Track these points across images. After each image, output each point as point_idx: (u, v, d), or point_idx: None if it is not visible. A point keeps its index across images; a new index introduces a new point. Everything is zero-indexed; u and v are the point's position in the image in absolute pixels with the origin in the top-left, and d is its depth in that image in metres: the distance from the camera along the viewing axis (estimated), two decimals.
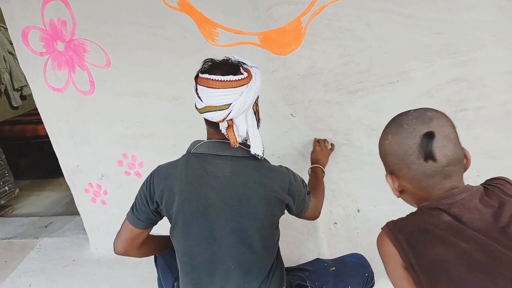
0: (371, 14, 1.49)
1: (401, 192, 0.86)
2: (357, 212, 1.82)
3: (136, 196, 1.14)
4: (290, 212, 1.17)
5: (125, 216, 1.16)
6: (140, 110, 1.89)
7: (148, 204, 1.10)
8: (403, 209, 1.79)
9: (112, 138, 2.00)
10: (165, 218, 1.14)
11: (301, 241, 1.78)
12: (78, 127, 2.01)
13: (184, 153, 1.12)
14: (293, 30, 1.59)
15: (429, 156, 0.74)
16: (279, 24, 1.59)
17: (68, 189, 2.23)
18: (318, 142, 1.71)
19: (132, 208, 1.15)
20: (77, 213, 2.31)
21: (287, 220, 1.29)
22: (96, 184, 2.14)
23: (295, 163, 1.82)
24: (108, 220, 2.17)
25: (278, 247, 1.19)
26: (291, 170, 1.15)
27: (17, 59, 2.21)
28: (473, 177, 1.66)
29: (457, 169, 0.78)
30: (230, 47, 1.68)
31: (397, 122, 0.80)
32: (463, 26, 1.45)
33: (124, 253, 1.18)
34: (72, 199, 2.26)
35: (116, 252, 1.18)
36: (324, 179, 1.63)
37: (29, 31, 1.87)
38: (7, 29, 1.95)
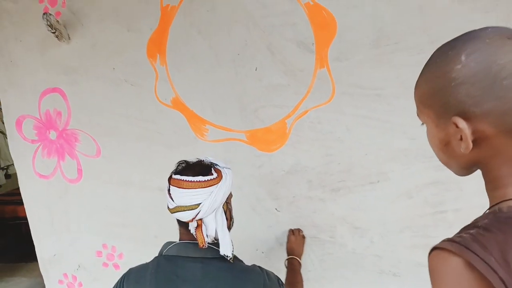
0: (350, 119, 1.59)
1: (474, 144, 0.60)
2: None
3: None
4: None
5: None
6: (124, 199, 1.89)
7: None
8: None
9: (93, 228, 1.96)
10: None
11: None
12: (59, 216, 1.98)
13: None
14: (278, 130, 1.68)
15: None
16: (265, 124, 1.69)
17: (40, 275, 2.12)
18: (293, 232, 1.71)
19: None
20: None
21: None
22: (71, 275, 2.05)
23: (279, 259, 1.78)
24: None
25: None
26: (265, 269, 1.13)
27: (7, 138, 2.25)
28: None
29: None
30: (218, 142, 1.75)
31: (474, 38, 0.59)
32: None
33: None
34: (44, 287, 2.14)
35: None
36: (308, 277, 1.59)
37: (24, 120, 1.93)
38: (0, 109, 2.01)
